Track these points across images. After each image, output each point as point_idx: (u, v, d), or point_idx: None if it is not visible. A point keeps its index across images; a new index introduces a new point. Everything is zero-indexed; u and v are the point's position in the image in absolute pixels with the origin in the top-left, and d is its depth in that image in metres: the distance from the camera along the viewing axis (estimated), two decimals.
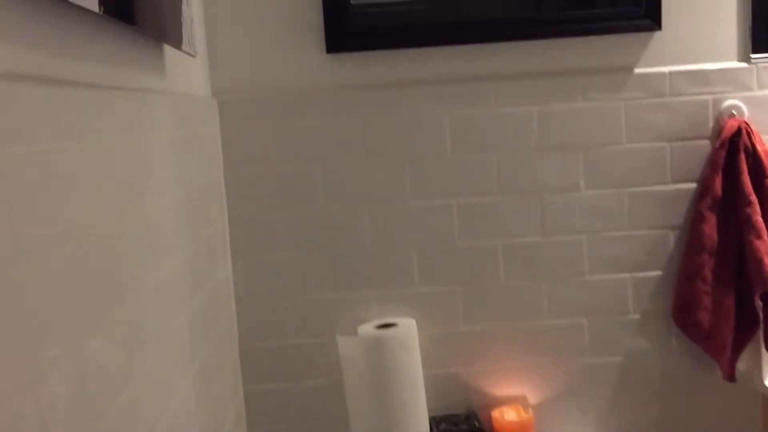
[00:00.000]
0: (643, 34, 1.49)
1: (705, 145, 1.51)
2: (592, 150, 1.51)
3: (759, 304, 1.46)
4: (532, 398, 1.55)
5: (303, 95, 1.48)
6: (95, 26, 0.76)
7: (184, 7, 1.04)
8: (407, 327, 1.47)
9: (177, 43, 0.98)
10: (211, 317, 1.27)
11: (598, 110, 1.50)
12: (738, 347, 1.48)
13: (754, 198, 1.44)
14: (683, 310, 1.50)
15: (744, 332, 1.47)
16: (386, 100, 1.48)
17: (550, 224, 1.52)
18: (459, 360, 1.54)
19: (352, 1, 1.46)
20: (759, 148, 1.46)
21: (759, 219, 1.43)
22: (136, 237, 0.84)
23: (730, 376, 1.48)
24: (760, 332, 1.48)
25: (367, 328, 1.47)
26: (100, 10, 0.64)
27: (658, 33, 1.49)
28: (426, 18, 1.47)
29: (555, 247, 1.53)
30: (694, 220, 1.49)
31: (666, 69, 1.50)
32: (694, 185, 1.52)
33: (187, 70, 1.24)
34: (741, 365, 1.50)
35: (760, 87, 1.50)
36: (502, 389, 1.55)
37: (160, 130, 1.00)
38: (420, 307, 1.52)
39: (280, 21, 1.47)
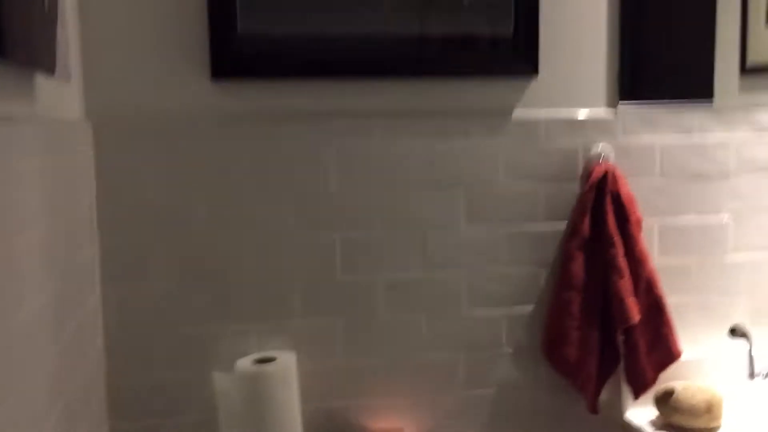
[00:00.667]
0: (522, 80, 1.56)
1: (575, 188, 1.60)
2: (472, 188, 1.56)
3: (621, 339, 1.56)
4: (410, 431, 1.57)
5: (185, 121, 1.44)
6: None
7: (58, 31, 0.98)
8: (286, 361, 1.45)
9: (50, 70, 0.93)
10: (79, 352, 1.20)
11: (479, 150, 1.55)
12: (601, 381, 1.57)
13: (617, 240, 1.54)
14: (551, 344, 1.57)
15: (607, 366, 1.56)
16: (272, 131, 1.47)
17: (431, 259, 1.55)
18: (338, 394, 1.53)
19: (239, 29, 1.43)
20: (623, 192, 1.56)
21: (622, 260, 1.53)
22: None
23: (594, 408, 1.56)
24: (622, 366, 1.57)
25: (245, 363, 1.44)
26: None
27: (535, 79, 1.57)
28: (315, 51, 1.47)
29: (435, 282, 1.56)
30: (564, 258, 1.57)
31: (541, 113, 1.57)
32: (564, 225, 1.59)
33: (59, 93, 1.17)
34: (604, 397, 1.59)
35: (626, 134, 1.61)
36: (380, 422, 1.55)
37: (28, 160, 0.94)
38: (300, 341, 1.51)
39: (165, 44, 1.42)
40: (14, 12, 0.75)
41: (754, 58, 1.78)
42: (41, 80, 1.02)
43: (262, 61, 1.45)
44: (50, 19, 0.94)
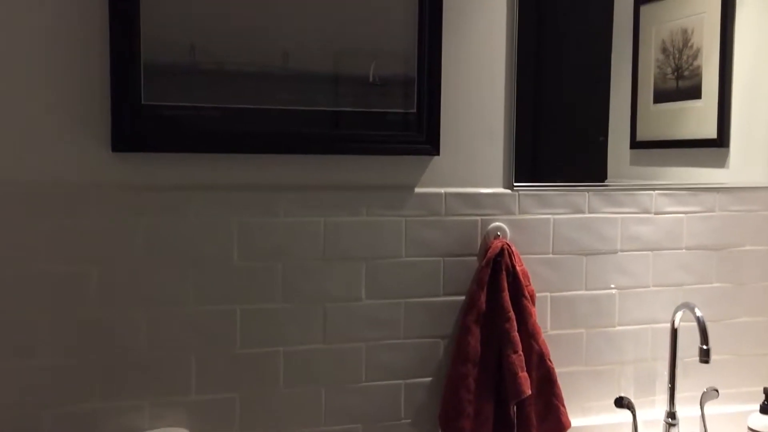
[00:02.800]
0: (424, 158, 1.61)
1: (473, 262, 1.65)
2: (373, 261, 1.58)
3: (514, 411, 1.61)
4: None
5: (82, 192, 1.40)
6: None
7: None
8: None
9: None
10: None
11: (381, 224, 1.59)
12: None
13: (512, 314, 1.59)
14: (448, 416, 1.60)
15: None
16: (173, 203, 1.45)
17: (330, 332, 1.56)
18: None
19: (143, 100, 1.42)
20: (518, 267, 1.62)
21: (516, 334, 1.58)
22: None
23: None
24: None
25: None
26: None
27: (436, 158, 1.62)
28: (219, 125, 1.47)
29: (334, 354, 1.57)
30: (461, 331, 1.61)
31: (442, 190, 1.63)
32: (462, 298, 1.64)
33: None
34: None
35: (521, 212, 1.68)
36: None
37: None
38: (196, 415, 1.48)
39: (64, 113, 1.39)
40: None
41: (643, 133, 1.91)
42: None
43: (165, 133, 1.44)
44: None
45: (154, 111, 1.43)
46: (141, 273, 1.44)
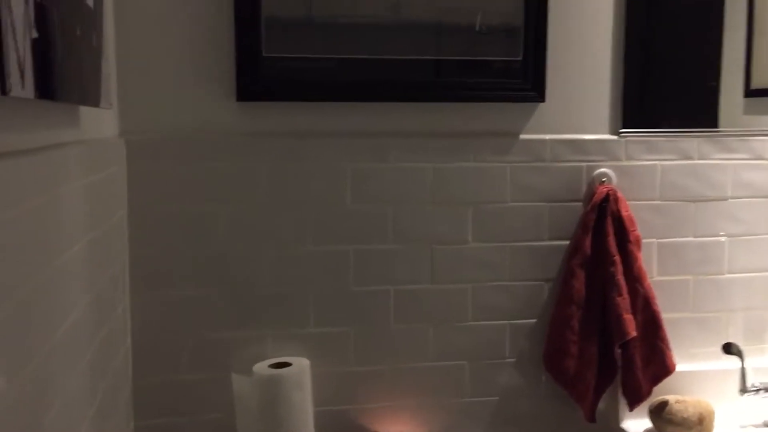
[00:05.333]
0: (529, 105, 1.65)
1: (578, 207, 1.68)
2: (479, 206, 1.64)
3: (618, 353, 1.64)
4: None
5: (211, 139, 1.53)
6: (18, 103, 0.80)
7: (103, 66, 1.08)
8: (300, 366, 1.54)
9: (95, 103, 1.02)
10: (110, 355, 1.30)
11: (487, 170, 1.64)
12: (599, 391, 1.65)
13: (617, 258, 1.61)
14: (552, 356, 1.65)
15: (605, 378, 1.64)
16: (292, 149, 1.56)
17: (438, 273, 1.64)
18: (349, 398, 1.63)
19: (264, 53, 1.52)
20: (624, 213, 1.64)
21: (621, 278, 1.61)
22: (46, 296, 0.88)
23: (591, 418, 1.65)
24: (619, 378, 1.65)
25: (261, 367, 1.53)
26: (35, 96, 0.69)
27: (541, 105, 1.65)
28: (334, 75, 1.56)
29: (442, 295, 1.65)
30: (566, 275, 1.65)
31: (547, 137, 1.66)
32: (567, 243, 1.67)
33: (100, 118, 1.27)
34: (601, 407, 1.67)
35: (628, 158, 1.69)
36: (388, 426, 1.64)
37: (73, 180, 1.04)
38: (314, 347, 1.60)
39: (193, 68, 1.52)
40: (72, 55, 0.85)
41: (759, 81, 1.85)
42: (85, 109, 1.12)
43: (285, 83, 1.54)
44: (97, 54, 1.03)
45: (274, 63, 1.53)
46: (264, 214, 1.56)
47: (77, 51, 0.89)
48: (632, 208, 1.67)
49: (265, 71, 1.53)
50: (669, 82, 1.77)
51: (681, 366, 1.69)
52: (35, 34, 0.70)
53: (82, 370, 1.07)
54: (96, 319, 1.18)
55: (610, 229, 1.63)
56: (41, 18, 0.72)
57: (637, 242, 1.65)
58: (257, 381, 1.50)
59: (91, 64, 0.98)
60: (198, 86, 1.53)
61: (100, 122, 1.28)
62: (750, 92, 1.85)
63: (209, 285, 1.55)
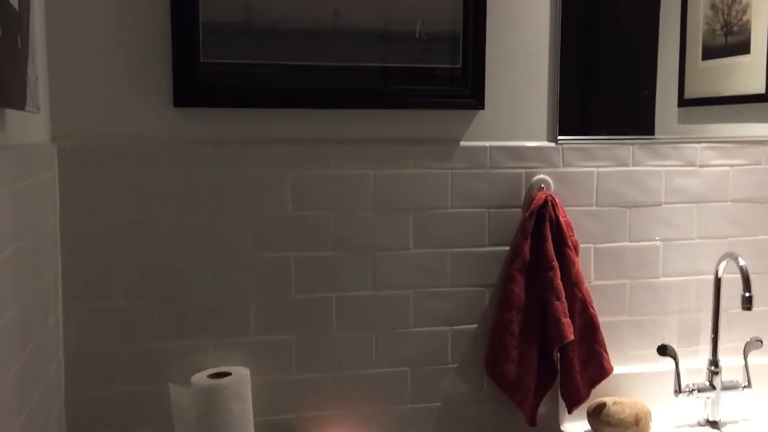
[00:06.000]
0: (469, 112, 1.67)
1: (517, 213, 1.70)
2: (421, 213, 1.65)
3: (557, 356, 1.66)
4: None
5: (148, 145, 1.50)
6: None
7: (29, 69, 1.04)
8: (240, 375, 1.52)
9: (20, 106, 0.99)
10: (40, 367, 1.26)
11: (428, 177, 1.65)
12: (539, 395, 1.67)
13: (555, 263, 1.64)
14: (493, 361, 1.66)
15: (544, 382, 1.67)
16: (232, 157, 1.54)
17: (380, 279, 1.64)
18: (290, 407, 1.61)
19: (202, 58, 1.50)
20: (561, 218, 1.67)
21: (559, 282, 1.63)
22: None
23: (532, 421, 1.67)
24: (558, 382, 1.68)
25: (200, 377, 1.50)
26: None
27: (481, 112, 1.67)
28: (273, 81, 1.55)
29: (384, 301, 1.65)
30: (506, 280, 1.67)
31: (487, 144, 1.68)
32: (507, 248, 1.69)
33: (28, 122, 1.23)
34: (541, 411, 1.69)
35: (565, 165, 1.72)
36: None
37: (1, 185, 1.00)
38: (255, 356, 1.58)
39: (129, 72, 1.49)
40: None
41: (691, 91, 1.91)
42: (11, 112, 1.08)
43: (223, 89, 1.53)
44: (23, 56, 1.00)
45: (212, 68, 1.51)
46: (202, 222, 1.53)
47: None
48: (570, 214, 1.70)
49: (202, 77, 1.51)
50: (605, 91, 1.82)
51: (618, 368, 1.73)
52: None
53: (7, 384, 1.03)
54: (23, 331, 1.14)
55: (549, 234, 1.65)
56: None
57: (575, 247, 1.68)
58: (196, 391, 1.47)
59: (15, 66, 0.95)
60: (134, 91, 1.50)
61: (28, 127, 1.24)
62: (683, 102, 1.91)
63: (146, 294, 1.52)
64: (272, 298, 1.58)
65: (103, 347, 1.50)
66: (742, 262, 1.62)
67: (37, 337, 1.23)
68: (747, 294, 1.59)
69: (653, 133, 1.83)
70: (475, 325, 1.70)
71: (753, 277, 1.63)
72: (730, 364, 1.77)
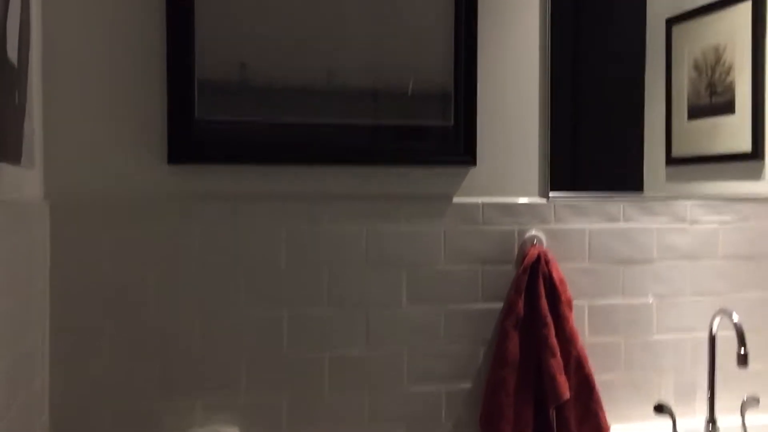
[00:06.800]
0: (461, 169, 1.68)
1: (510, 269, 1.70)
2: (414, 269, 1.64)
3: (553, 415, 1.63)
4: None
5: (140, 203, 1.50)
6: None
7: (26, 124, 1.05)
8: None
9: (16, 161, 0.99)
10: (24, 429, 1.22)
11: (421, 233, 1.65)
12: None
13: (549, 320, 1.63)
14: (488, 420, 1.63)
15: None
16: (225, 212, 1.54)
17: (373, 337, 1.62)
18: None
19: (196, 115, 1.51)
20: (554, 275, 1.66)
21: (553, 339, 1.62)
22: None
23: None
24: None
25: None
26: None
27: (473, 168, 1.68)
28: (267, 138, 1.56)
29: (377, 359, 1.62)
30: (500, 337, 1.65)
31: (479, 200, 1.68)
32: (500, 305, 1.68)
33: (21, 177, 1.23)
34: None
35: (557, 221, 1.73)
36: None
37: None
38: (245, 416, 1.54)
39: (123, 128, 1.50)
40: None
41: (678, 150, 1.94)
42: (5, 166, 1.08)
43: (217, 146, 1.53)
44: (20, 112, 1.01)
45: (207, 125, 1.52)
46: (195, 278, 1.52)
47: None
48: (563, 270, 1.70)
49: (197, 134, 1.51)
50: (594, 148, 1.84)
51: (615, 427, 1.70)
52: None
53: None
54: (8, 392, 1.10)
55: (542, 291, 1.65)
56: None
57: (569, 304, 1.67)
58: None
59: (13, 121, 0.95)
60: (128, 148, 1.50)
61: (21, 182, 1.23)
62: (671, 160, 1.94)
63: (136, 354, 1.49)
64: (264, 356, 1.56)
65: (91, 408, 1.46)
66: (736, 319, 1.62)
67: (20, 400, 1.20)
68: (742, 351, 1.58)
69: (642, 190, 1.84)
70: (469, 384, 1.67)
71: (747, 334, 1.62)
72: (728, 424, 1.74)
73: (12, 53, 0.93)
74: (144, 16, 1.50)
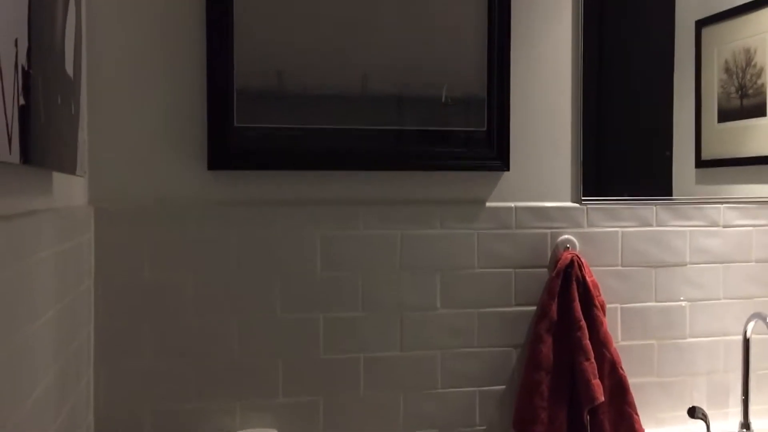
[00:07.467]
0: (495, 173, 1.69)
1: (544, 273, 1.71)
2: (447, 273, 1.66)
3: (587, 418, 1.64)
4: None
5: (180, 208, 1.53)
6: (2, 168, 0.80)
7: (80, 134, 1.08)
8: None
9: (72, 170, 1.02)
10: (72, 429, 1.25)
11: (454, 237, 1.66)
12: None
13: (583, 323, 1.64)
14: (522, 423, 1.64)
15: None
16: (262, 218, 1.57)
17: (407, 340, 1.64)
18: None
19: (236, 123, 1.54)
20: (588, 278, 1.67)
21: (587, 342, 1.63)
22: (12, 368, 0.85)
23: None
24: None
25: None
26: (20, 161, 0.69)
27: (506, 173, 1.70)
28: (303, 144, 1.59)
29: (411, 362, 1.64)
30: (533, 340, 1.66)
31: (512, 204, 1.70)
32: (534, 308, 1.70)
33: (71, 183, 1.27)
34: None
35: (589, 225, 1.74)
36: None
37: (44, 249, 1.02)
38: (283, 418, 1.57)
39: (165, 136, 1.53)
40: (52, 122, 0.85)
41: (708, 152, 1.94)
42: (58, 175, 1.11)
43: (255, 153, 1.56)
44: (75, 122, 1.04)
45: (245, 132, 1.55)
46: (233, 282, 1.55)
47: (58, 118, 0.89)
48: (595, 274, 1.71)
49: (236, 141, 1.54)
50: (623, 152, 1.84)
51: (648, 430, 1.71)
52: (22, 101, 0.70)
53: None
54: (61, 394, 1.14)
55: (576, 294, 1.66)
56: (27, 86, 0.73)
57: (602, 307, 1.68)
58: None
59: (70, 131, 0.99)
60: (169, 155, 1.53)
61: (71, 189, 1.27)
62: (701, 163, 1.94)
63: (175, 355, 1.52)
64: (300, 359, 1.58)
65: (133, 409, 1.50)
66: None
67: (71, 400, 1.23)
68: None
69: (671, 194, 1.85)
70: (503, 386, 1.69)
71: None
72: (762, 426, 1.74)
73: (69, 67, 0.96)
74: (185, 27, 1.53)
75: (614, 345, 1.67)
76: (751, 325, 1.71)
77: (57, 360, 1.11)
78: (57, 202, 1.14)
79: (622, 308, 1.75)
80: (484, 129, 1.67)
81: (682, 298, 1.79)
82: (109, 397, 1.48)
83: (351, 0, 1.60)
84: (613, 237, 1.75)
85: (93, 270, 1.47)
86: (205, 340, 1.54)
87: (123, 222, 1.49)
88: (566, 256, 1.68)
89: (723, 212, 1.82)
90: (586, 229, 1.74)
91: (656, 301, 1.77)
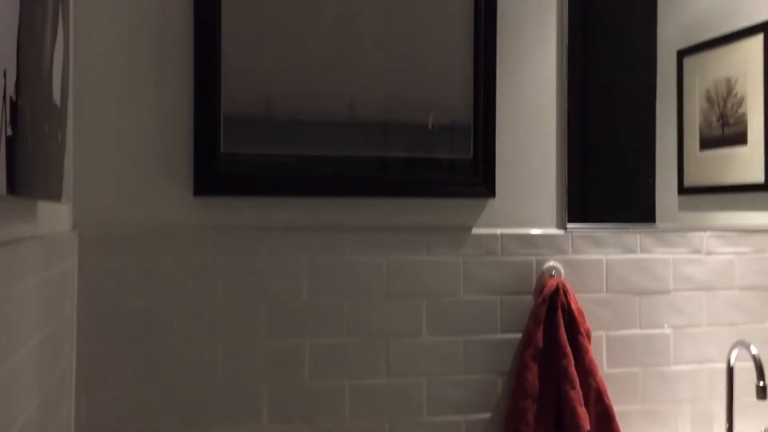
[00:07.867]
0: (480, 200, 1.70)
1: (529, 300, 1.71)
2: (433, 299, 1.66)
3: None
4: None
5: (165, 234, 1.52)
6: None
7: (66, 163, 1.08)
8: None
9: (57, 198, 1.02)
10: None
11: (440, 264, 1.67)
12: None
13: (569, 351, 1.64)
14: None
15: None
16: (248, 243, 1.56)
17: (393, 366, 1.63)
18: None
19: (222, 149, 1.54)
20: (573, 306, 1.68)
21: (573, 370, 1.63)
22: None
23: None
24: None
25: None
26: (7, 191, 0.69)
27: (492, 200, 1.71)
28: (290, 170, 1.59)
29: (397, 388, 1.63)
30: (519, 367, 1.66)
31: (498, 231, 1.70)
32: (519, 335, 1.70)
33: (55, 210, 1.26)
34: None
35: (574, 252, 1.75)
36: None
37: (28, 277, 1.01)
38: None
39: (150, 161, 1.52)
40: (39, 151, 0.85)
41: (690, 179, 1.96)
42: (42, 202, 1.10)
43: (241, 179, 1.56)
44: (62, 151, 1.04)
45: (231, 158, 1.55)
46: (218, 308, 1.54)
47: (44, 148, 0.89)
48: (581, 301, 1.71)
49: (222, 167, 1.54)
50: (606, 179, 1.86)
51: None
52: (10, 132, 0.70)
53: None
54: (42, 423, 1.12)
55: (561, 322, 1.66)
56: (15, 117, 0.73)
57: (587, 335, 1.68)
58: None
59: (56, 159, 0.98)
60: (155, 180, 1.53)
61: (55, 216, 1.26)
62: (683, 190, 1.96)
63: (157, 381, 1.50)
64: (286, 385, 1.57)
65: None
66: (754, 351, 1.63)
67: (52, 430, 1.21)
68: (762, 383, 1.59)
69: (654, 220, 1.86)
70: (489, 414, 1.68)
71: (765, 366, 1.63)
72: None
73: (56, 95, 0.96)
74: (171, 53, 1.53)
75: (600, 373, 1.67)
76: (734, 353, 1.72)
77: (40, 389, 1.09)
78: (41, 229, 1.13)
79: (607, 335, 1.76)
80: (470, 156, 1.68)
81: (666, 326, 1.79)
82: (91, 425, 1.46)
83: (339, 27, 1.62)
84: (598, 264, 1.76)
85: (76, 297, 1.45)
86: (190, 367, 1.52)
87: (107, 248, 1.48)
88: (551, 283, 1.69)
89: (706, 240, 1.84)
90: (571, 256, 1.74)
91: (641, 328, 1.78)
